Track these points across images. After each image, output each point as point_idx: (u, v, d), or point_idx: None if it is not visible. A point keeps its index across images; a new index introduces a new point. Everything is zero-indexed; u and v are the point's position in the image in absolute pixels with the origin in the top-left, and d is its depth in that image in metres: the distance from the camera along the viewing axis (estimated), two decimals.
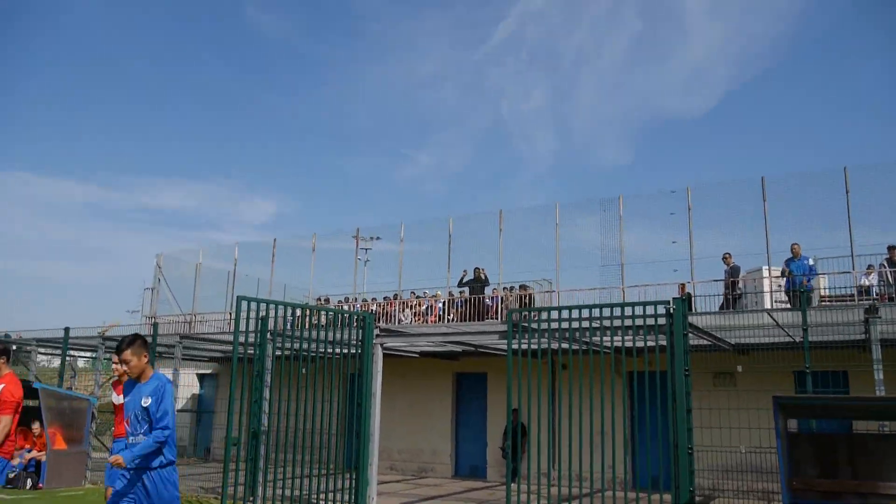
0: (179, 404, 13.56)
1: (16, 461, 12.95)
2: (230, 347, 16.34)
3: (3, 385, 6.53)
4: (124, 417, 5.32)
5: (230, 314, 21.99)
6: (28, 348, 18.16)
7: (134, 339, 5.33)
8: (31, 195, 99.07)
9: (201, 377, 21.10)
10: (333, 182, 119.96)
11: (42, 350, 18.07)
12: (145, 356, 5.31)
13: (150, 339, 14.00)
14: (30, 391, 13.22)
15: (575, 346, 9.64)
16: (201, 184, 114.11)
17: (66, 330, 16.06)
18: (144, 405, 5.06)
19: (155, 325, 14.20)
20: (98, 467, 15.28)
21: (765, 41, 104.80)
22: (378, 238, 28.88)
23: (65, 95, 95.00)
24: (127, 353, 5.20)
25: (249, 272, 23.51)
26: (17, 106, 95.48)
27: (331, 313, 11.52)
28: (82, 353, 19.28)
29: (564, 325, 9.59)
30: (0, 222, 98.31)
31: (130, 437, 5.18)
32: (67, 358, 16.72)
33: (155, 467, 4.99)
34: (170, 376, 14.66)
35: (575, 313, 9.52)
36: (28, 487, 12.21)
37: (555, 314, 9.76)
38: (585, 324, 9.51)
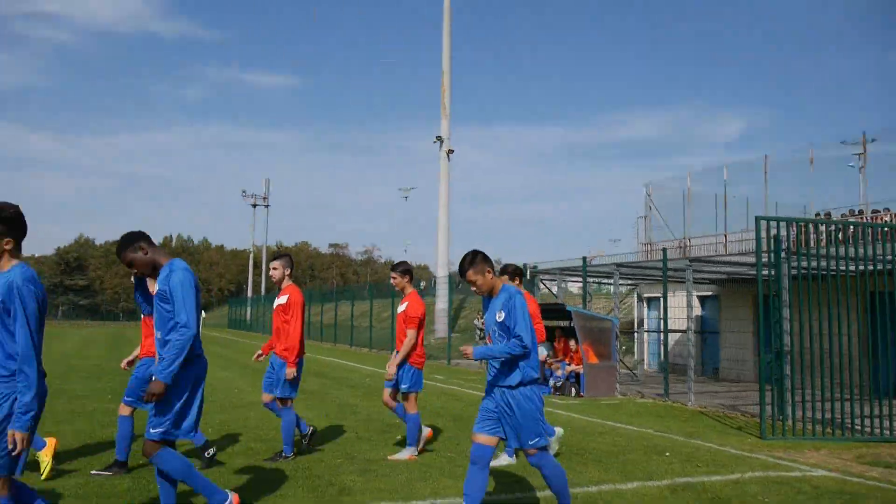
0: (685, 325, 14.23)
1: (559, 372, 15.25)
2: (731, 269, 16.41)
3: (407, 303, 7.06)
4: (485, 334, 5.14)
5: (725, 236, 21.99)
6: (545, 278, 20.83)
7: (474, 258, 4.96)
8: (516, 144, 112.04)
9: (702, 299, 21.64)
10: (808, 86, 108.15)
11: (567, 278, 20.57)
12: (489, 272, 4.96)
13: (659, 265, 14.93)
14: (563, 313, 15.34)
15: None
16: (663, 111, 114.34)
17: (584, 259, 18.08)
18: (499, 320, 4.90)
19: (664, 251, 14.98)
20: (625, 380, 16.98)
21: None
22: (874, 140, 25.40)
23: (539, 44, 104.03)
24: (470, 274, 4.94)
25: (736, 193, 23.18)
26: (512, 62, 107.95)
27: (858, 228, 10.70)
28: (601, 280, 21.45)
29: None
30: (490, 171, 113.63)
31: None
32: (588, 284, 18.85)
33: (515, 386, 4.83)
34: (681, 299, 15.43)
35: None
36: (573, 395, 14.26)
37: None
38: None
